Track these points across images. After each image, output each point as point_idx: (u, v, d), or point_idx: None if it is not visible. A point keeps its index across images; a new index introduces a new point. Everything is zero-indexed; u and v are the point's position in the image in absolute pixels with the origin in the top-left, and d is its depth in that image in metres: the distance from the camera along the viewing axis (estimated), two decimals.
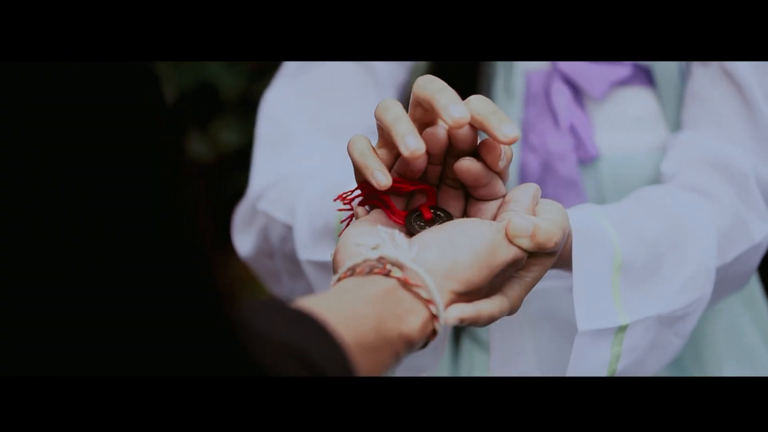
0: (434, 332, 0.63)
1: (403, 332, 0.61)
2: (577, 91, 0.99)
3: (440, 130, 0.67)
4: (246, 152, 1.03)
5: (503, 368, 0.81)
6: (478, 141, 0.69)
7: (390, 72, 1.02)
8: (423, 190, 0.70)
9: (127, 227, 0.40)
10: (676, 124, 0.98)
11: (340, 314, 0.58)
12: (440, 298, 0.62)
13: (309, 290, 0.89)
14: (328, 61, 1.00)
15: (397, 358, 0.61)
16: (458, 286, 0.64)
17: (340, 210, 0.72)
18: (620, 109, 0.99)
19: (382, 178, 0.64)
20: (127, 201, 0.40)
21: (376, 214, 0.69)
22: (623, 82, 0.99)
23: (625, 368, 0.78)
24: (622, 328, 0.76)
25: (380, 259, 0.63)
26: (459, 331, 1.02)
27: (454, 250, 0.64)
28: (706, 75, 0.94)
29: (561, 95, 0.99)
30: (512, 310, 0.68)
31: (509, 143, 0.64)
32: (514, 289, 0.68)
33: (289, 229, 0.88)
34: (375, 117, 0.66)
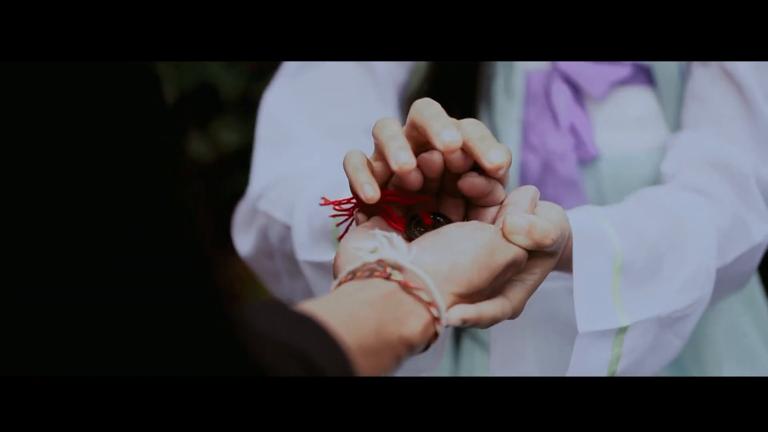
0: (435, 335, 0.63)
1: (404, 335, 0.61)
2: (577, 91, 0.99)
3: (435, 156, 0.67)
4: (246, 152, 1.03)
5: (503, 370, 0.81)
6: None
7: (390, 72, 1.02)
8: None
9: (126, 227, 0.40)
10: (676, 124, 0.98)
11: (340, 317, 0.58)
12: (441, 300, 0.63)
13: (308, 290, 0.89)
14: (328, 61, 1.00)
15: (398, 361, 0.61)
16: (458, 288, 0.64)
17: (332, 216, 0.72)
18: (620, 109, 0.99)
19: (369, 191, 0.65)
20: (127, 201, 0.40)
21: (376, 220, 0.69)
22: (623, 82, 0.99)
23: (625, 369, 0.78)
24: (622, 330, 0.76)
25: (380, 262, 0.63)
26: (459, 331, 1.02)
27: (453, 252, 0.64)
28: (706, 75, 0.94)
29: (561, 95, 0.99)
30: (515, 314, 0.68)
31: (495, 170, 0.64)
32: (515, 292, 0.68)
33: (289, 229, 0.88)
34: (372, 134, 0.66)
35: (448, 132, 0.63)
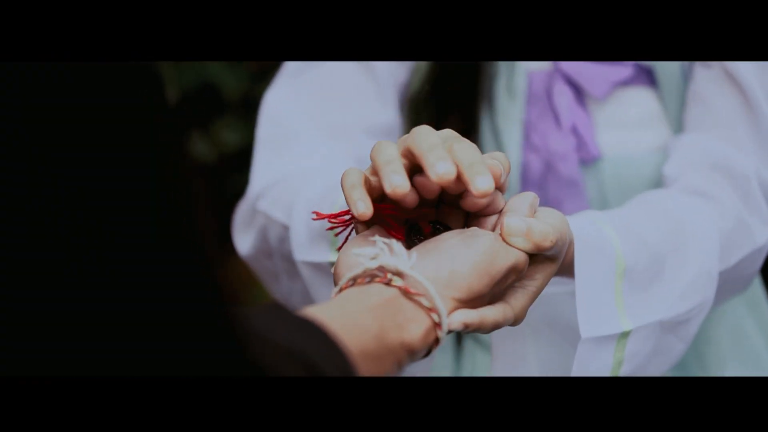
0: (437, 341, 0.64)
1: (405, 341, 0.61)
2: (579, 92, 0.99)
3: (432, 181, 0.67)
4: (247, 152, 1.03)
5: (505, 374, 0.81)
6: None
7: (390, 72, 1.02)
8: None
9: (127, 227, 0.40)
10: (678, 125, 0.98)
11: (341, 322, 0.58)
12: (442, 305, 0.63)
13: (307, 291, 0.89)
14: (329, 61, 1.00)
15: (399, 366, 0.62)
16: (459, 293, 0.64)
17: (329, 229, 0.72)
18: (622, 110, 0.99)
19: (361, 207, 0.65)
20: (127, 201, 0.40)
21: (376, 229, 0.69)
22: (625, 83, 0.99)
23: (627, 373, 0.78)
24: (624, 334, 0.76)
25: (380, 269, 0.63)
26: (461, 333, 1.02)
27: (453, 258, 0.64)
28: (708, 77, 0.94)
29: (563, 95, 0.99)
30: (517, 320, 0.68)
31: (481, 197, 0.64)
32: (517, 299, 0.68)
33: (287, 229, 0.89)
34: (370, 157, 0.67)
35: (442, 164, 0.63)
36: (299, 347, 0.53)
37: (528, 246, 0.66)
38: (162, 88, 0.43)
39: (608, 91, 0.98)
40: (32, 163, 0.38)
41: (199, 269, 0.44)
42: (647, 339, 0.78)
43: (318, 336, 0.56)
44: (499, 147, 1.01)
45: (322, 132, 0.99)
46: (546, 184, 1.00)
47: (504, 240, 0.66)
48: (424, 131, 0.66)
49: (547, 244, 0.66)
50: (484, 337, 1.01)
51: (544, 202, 1.00)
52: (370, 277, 0.64)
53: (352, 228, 0.72)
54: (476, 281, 0.64)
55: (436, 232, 0.69)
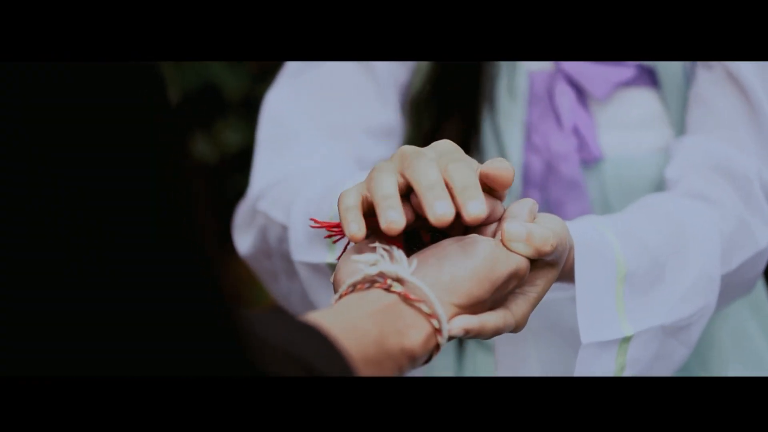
0: (437, 347, 0.64)
1: (406, 347, 0.61)
2: (580, 92, 0.99)
3: None
4: (249, 153, 1.04)
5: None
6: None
7: (391, 72, 1.02)
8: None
9: (127, 227, 0.40)
10: (680, 126, 0.98)
11: (341, 328, 0.58)
12: (443, 311, 0.63)
13: (305, 291, 0.89)
14: (330, 62, 1.00)
15: (399, 371, 0.62)
16: (459, 299, 0.64)
17: (327, 237, 0.72)
18: (624, 110, 0.99)
19: (354, 228, 0.65)
20: (127, 201, 0.40)
21: (376, 235, 0.69)
22: (627, 83, 0.98)
23: None
24: (626, 339, 0.76)
25: (380, 275, 0.63)
26: None
27: (453, 264, 0.64)
28: (710, 78, 0.93)
29: (564, 96, 0.99)
30: (518, 327, 0.68)
31: (472, 223, 0.64)
32: (518, 305, 0.68)
33: (286, 229, 0.89)
34: (367, 186, 0.67)
35: (440, 206, 0.63)
36: (299, 351, 0.53)
37: (529, 251, 0.66)
38: (163, 88, 0.43)
39: (610, 92, 0.98)
40: (32, 163, 0.38)
41: (200, 269, 0.44)
42: (649, 344, 0.78)
43: (318, 340, 0.56)
44: (501, 148, 1.01)
45: (323, 132, 0.99)
46: (547, 185, 0.99)
47: (504, 245, 0.66)
48: (423, 163, 0.65)
49: (547, 248, 0.66)
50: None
51: (546, 203, 1.00)
52: (369, 283, 0.64)
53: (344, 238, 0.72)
54: (476, 287, 0.64)
55: (435, 239, 0.69)
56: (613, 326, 0.75)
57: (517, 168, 1.00)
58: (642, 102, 0.99)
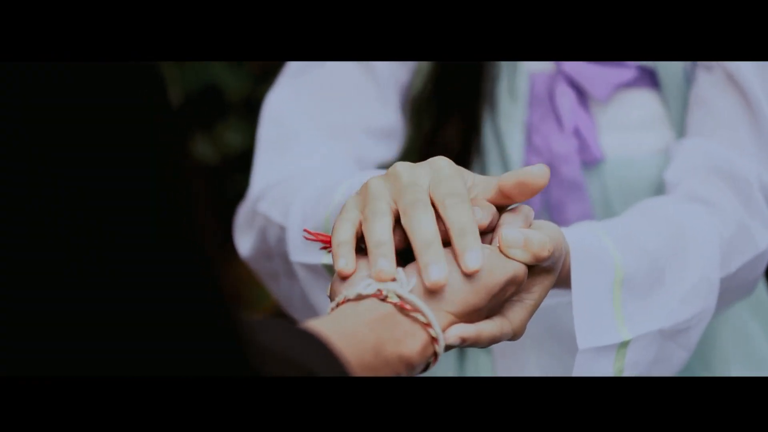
0: (435, 355, 0.64)
1: (403, 355, 0.62)
2: (581, 94, 0.99)
3: None
4: (250, 154, 1.04)
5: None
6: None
7: (392, 72, 1.02)
8: None
9: (127, 228, 0.40)
10: (680, 127, 0.98)
11: (338, 335, 0.58)
12: (437, 322, 0.63)
13: (304, 292, 0.89)
14: (330, 62, 1.00)
15: None
16: (454, 308, 0.64)
17: (323, 249, 0.72)
18: (625, 112, 0.99)
19: (342, 263, 0.65)
20: (128, 202, 0.40)
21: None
22: (628, 84, 0.98)
23: None
24: (624, 344, 0.76)
25: (378, 292, 0.64)
26: None
27: (449, 273, 0.64)
28: (710, 80, 0.93)
29: (565, 97, 0.99)
30: (515, 334, 0.68)
31: (470, 274, 0.64)
32: (515, 313, 0.68)
33: (285, 230, 0.89)
34: (362, 227, 0.67)
35: (434, 270, 0.63)
36: (298, 357, 0.54)
37: (526, 257, 0.66)
38: (164, 88, 0.43)
39: (610, 93, 0.98)
40: (32, 163, 0.38)
41: (200, 270, 0.44)
42: (648, 347, 0.78)
43: (317, 346, 0.56)
44: (501, 149, 1.01)
45: (323, 132, 0.99)
46: (548, 186, 0.99)
47: (502, 252, 0.66)
48: (420, 213, 0.65)
49: (545, 253, 0.66)
50: None
51: (547, 204, 1.00)
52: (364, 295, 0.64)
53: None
54: (472, 295, 0.64)
55: None
56: (610, 331, 0.75)
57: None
58: (643, 103, 0.99)
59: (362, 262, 0.66)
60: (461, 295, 0.64)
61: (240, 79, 2.16)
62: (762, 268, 0.91)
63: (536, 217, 0.72)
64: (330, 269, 0.83)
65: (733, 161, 0.90)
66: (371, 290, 0.63)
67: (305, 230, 0.73)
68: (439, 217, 0.67)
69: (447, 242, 0.67)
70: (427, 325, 0.63)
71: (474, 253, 0.64)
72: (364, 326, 0.61)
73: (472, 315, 0.65)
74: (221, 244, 0.46)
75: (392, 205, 0.67)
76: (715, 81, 0.93)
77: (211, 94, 2.16)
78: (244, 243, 0.97)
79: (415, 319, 0.63)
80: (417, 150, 1.09)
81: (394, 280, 0.64)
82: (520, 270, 0.66)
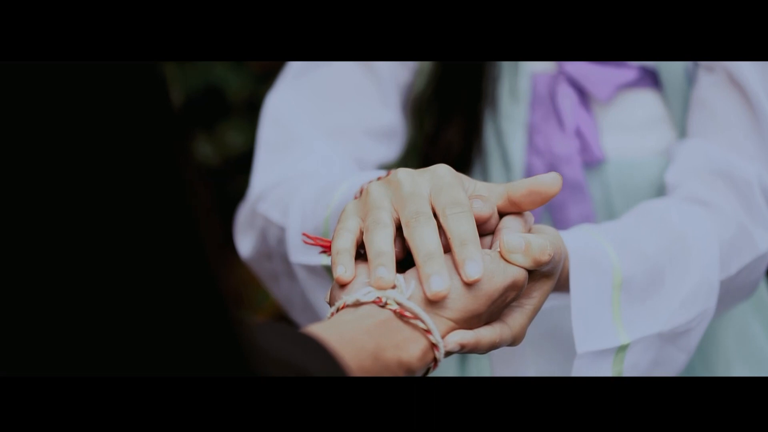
0: (435, 361, 0.64)
1: (403, 360, 0.62)
2: (583, 94, 0.99)
3: None
4: (252, 155, 1.04)
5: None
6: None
7: (393, 73, 1.02)
8: None
9: (128, 229, 0.40)
10: (682, 127, 0.98)
11: (338, 340, 0.58)
12: (437, 329, 0.63)
13: (304, 292, 0.89)
14: (331, 64, 1.00)
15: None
16: (454, 314, 0.64)
17: (321, 253, 0.73)
18: (627, 112, 0.99)
19: (340, 270, 0.66)
20: (128, 202, 0.40)
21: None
22: (629, 85, 0.98)
23: None
24: (622, 348, 0.76)
25: (378, 299, 0.64)
26: None
27: (450, 279, 0.64)
28: (711, 82, 0.93)
29: (567, 98, 0.99)
30: (515, 340, 0.68)
31: (470, 284, 0.64)
32: (515, 319, 0.68)
33: (284, 231, 0.89)
34: (363, 238, 0.67)
35: (435, 281, 0.64)
36: (298, 361, 0.54)
37: (527, 262, 0.66)
38: (165, 89, 0.43)
39: (612, 94, 0.98)
40: (33, 164, 0.38)
41: (201, 270, 0.44)
42: (647, 351, 0.78)
43: (317, 351, 0.56)
44: (503, 150, 1.01)
45: (324, 133, 0.99)
46: None
47: (503, 257, 0.66)
48: (421, 226, 0.66)
49: (545, 258, 0.66)
50: None
51: (548, 205, 1.00)
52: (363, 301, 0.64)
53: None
54: (472, 301, 0.64)
55: None
56: (609, 335, 0.75)
57: (519, 170, 1.00)
58: (645, 103, 0.99)
59: (361, 268, 0.67)
60: (461, 301, 0.64)
61: (241, 79, 2.16)
62: (762, 270, 0.91)
63: (537, 219, 0.72)
64: (330, 271, 0.83)
65: (734, 163, 0.90)
66: (370, 298, 0.63)
67: (304, 234, 0.73)
68: (439, 226, 0.67)
69: (446, 247, 0.67)
70: (426, 331, 0.63)
71: (474, 263, 0.64)
72: (363, 332, 0.61)
73: (471, 321, 0.65)
74: (223, 245, 0.46)
75: (394, 214, 0.67)
76: (716, 82, 0.93)
77: (213, 95, 2.16)
78: (245, 244, 0.97)
79: (415, 326, 0.63)
80: (418, 151, 1.09)
81: (393, 287, 0.64)
82: (521, 275, 0.66)
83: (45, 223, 0.38)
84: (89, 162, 0.39)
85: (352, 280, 0.66)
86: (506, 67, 1.01)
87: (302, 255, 0.84)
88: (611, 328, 0.75)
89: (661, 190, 0.98)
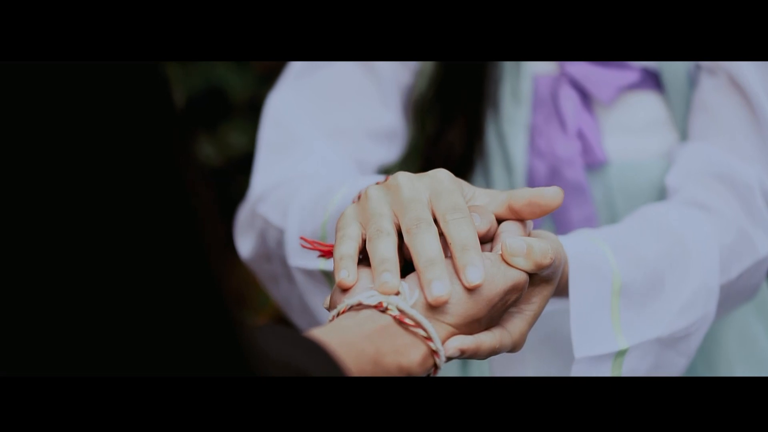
0: (435, 367, 0.64)
1: (403, 366, 0.62)
2: (585, 96, 0.99)
3: None
4: (254, 155, 1.04)
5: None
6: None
7: (394, 74, 1.02)
8: None
9: (130, 229, 0.40)
10: (684, 129, 0.98)
11: (338, 345, 0.58)
12: (438, 335, 0.63)
13: (302, 295, 0.89)
14: (332, 65, 1.00)
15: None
16: (453, 319, 0.64)
17: (319, 257, 0.72)
18: (629, 114, 0.99)
19: (343, 274, 0.66)
20: (130, 203, 0.40)
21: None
22: (632, 87, 0.98)
23: None
24: (621, 353, 0.76)
25: (379, 305, 0.64)
26: None
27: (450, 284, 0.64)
28: (713, 85, 0.93)
29: (569, 100, 0.99)
30: (515, 346, 0.68)
31: (471, 288, 0.64)
32: (515, 324, 0.68)
33: (283, 233, 0.88)
34: (366, 247, 0.67)
35: (437, 286, 0.64)
36: (298, 363, 0.54)
37: (529, 265, 0.66)
38: (167, 89, 0.43)
39: (614, 96, 0.98)
40: (36, 164, 0.38)
41: (202, 271, 0.44)
42: (646, 355, 0.78)
43: (317, 353, 0.56)
44: (505, 152, 1.01)
45: (324, 134, 0.99)
46: None
47: (504, 261, 0.66)
48: (422, 232, 0.66)
49: (546, 261, 0.66)
50: None
51: None
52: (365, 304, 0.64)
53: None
54: (472, 305, 0.64)
55: None
56: (607, 340, 0.75)
57: (521, 172, 1.00)
58: (647, 105, 0.98)
59: (362, 274, 0.67)
60: (462, 306, 0.64)
61: (244, 80, 2.17)
62: (763, 274, 0.91)
63: (539, 221, 0.72)
64: (328, 275, 0.83)
65: (735, 166, 0.89)
66: (373, 301, 0.63)
67: (301, 238, 0.73)
68: (439, 231, 0.67)
69: (444, 252, 0.67)
70: (427, 338, 0.63)
71: (476, 268, 0.64)
72: (363, 337, 0.61)
73: (472, 326, 0.65)
74: (225, 245, 0.46)
75: (394, 219, 0.67)
76: (718, 85, 0.93)
77: (215, 95, 2.16)
78: (245, 244, 0.97)
79: (415, 333, 0.63)
80: (420, 152, 1.09)
81: (397, 294, 0.64)
82: (521, 278, 0.66)
83: (46, 223, 0.38)
84: (91, 162, 0.39)
85: (354, 285, 0.66)
86: (508, 68, 1.01)
87: (301, 259, 0.84)
88: (610, 333, 0.75)
89: (663, 192, 0.97)
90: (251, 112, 2.16)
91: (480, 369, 1.01)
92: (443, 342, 0.64)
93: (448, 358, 0.65)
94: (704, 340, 0.98)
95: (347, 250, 0.67)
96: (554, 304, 0.77)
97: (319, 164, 0.95)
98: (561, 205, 0.70)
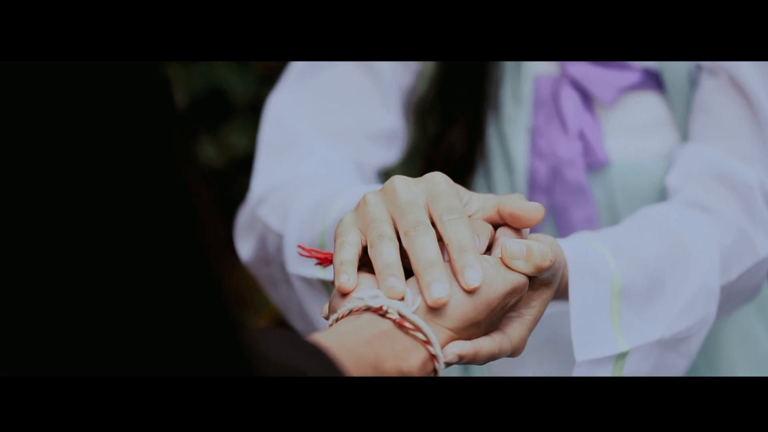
0: (435, 371, 0.64)
1: (403, 370, 0.62)
2: (586, 97, 0.99)
3: None
4: (255, 157, 1.04)
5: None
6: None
7: (395, 76, 1.02)
8: None
9: (130, 230, 0.40)
10: (685, 130, 0.98)
11: (338, 349, 0.58)
12: (437, 340, 0.63)
13: (300, 303, 0.89)
14: (333, 66, 1.00)
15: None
16: (453, 323, 0.64)
17: (317, 264, 0.72)
18: (630, 115, 0.99)
19: (344, 279, 0.66)
20: (130, 203, 0.40)
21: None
22: (633, 88, 0.98)
23: None
24: (622, 355, 0.76)
25: (380, 308, 0.64)
26: None
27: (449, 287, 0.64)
28: (714, 85, 0.93)
29: (570, 101, 0.99)
30: (515, 350, 0.68)
31: (470, 291, 0.64)
32: (515, 329, 0.68)
33: (282, 238, 0.88)
34: (369, 253, 0.67)
35: (436, 288, 0.64)
36: (299, 366, 0.54)
37: (529, 268, 0.66)
38: (169, 90, 0.43)
39: (616, 96, 0.98)
40: (36, 165, 0.38)
41: (203, 272, 0.44)
42: (646, 357, 0.78)
43: (317, 356, 0.56)
44: (506, 153, 1.01)
45: (325, 136, 0.99)
46: (553, 190, 0.99)
47: (504, 263, 0.66)
48: (421, 234, 0.66)
49: (547, 263, 0.66)
50: None
51: (552, 208, 1.00)
52: (366, 306, 0.64)
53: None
54: (471, 309, 0.64)
55: None
56: (608, 343, 0.75)
57: (522, 173, 1.00)
58: (648, 106, 0.98)
59: (362, 279, 0.67)
60: (460, 309, 0.64)
61: (245, 81, 2.16)
62: (763, 274, 0.91)
63: (541, 222, 0.72)
64: (326, 284, 0.83)
65: (735, 167, 0.89)
66: (376, 303, 0.63)
67: (299, 246, 0.73)
68: (437, 233, 0.67)
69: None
70: (426, 342, 0.63)
71: (474, 270, 0.64)
72: (363, 342, 0.61)
73: (470, 329, 0.65)
74: (226, 247, 0.46)
75: (393, 223, 0.68)
76: (719, 86, 0.93)
77: (216, 96, 2.16)
78: (244, 247, 0.97)
79: (415, 337, 0.63)
80: (421, 153, 1.09)
81: (402, 299, 0.64)
82: (521, 281, 0.66)
83: (47, 223, 0.38)
84: (92, 163, 0.39)
85: (354, 290, 0.66)
86: (509, 69, 1.01)
87: (299, 266, 0.84)
88: (610, 335, 0.75)
89: (664, 193, 0.97)
90: (252, 113, 2.16)
91: (481, 369, 1.01)
92: (442, 347, 0.64)
93: (447, 364, 0.65)
94: (706, 341, 0.98)
95: (347, 255, 0.67)
96: (554, 306, 0.77)
97: (319, 165, 0.95)
98: (540, 221, 0.70)
